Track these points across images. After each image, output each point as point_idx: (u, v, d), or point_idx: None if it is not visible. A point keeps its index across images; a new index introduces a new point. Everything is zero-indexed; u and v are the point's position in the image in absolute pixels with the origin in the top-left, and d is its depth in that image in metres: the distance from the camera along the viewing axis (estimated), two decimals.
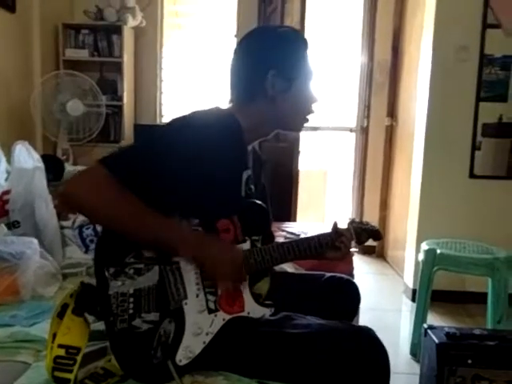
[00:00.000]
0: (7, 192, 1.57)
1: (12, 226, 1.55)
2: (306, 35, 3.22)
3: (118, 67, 3.46)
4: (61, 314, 0.91)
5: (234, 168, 1.04)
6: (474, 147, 2.58)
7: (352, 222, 1.17)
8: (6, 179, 1.66)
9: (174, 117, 1.00)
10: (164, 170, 0.92)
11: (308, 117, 1.11)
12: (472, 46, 2.52)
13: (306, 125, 1.14)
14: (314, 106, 1.11)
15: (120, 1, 3.36)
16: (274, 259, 1.03)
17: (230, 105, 1.09)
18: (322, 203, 4.31)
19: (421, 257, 2.01)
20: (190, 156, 0.93)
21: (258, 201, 1.08)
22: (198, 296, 0.95)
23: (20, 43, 3.00)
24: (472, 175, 2.59)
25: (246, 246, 1.02)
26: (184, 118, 0.99)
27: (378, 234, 1.19)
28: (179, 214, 0.96)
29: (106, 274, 0.91)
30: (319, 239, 1.09)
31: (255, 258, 1.00)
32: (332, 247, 1.11)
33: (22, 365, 0.99)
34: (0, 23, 2.77)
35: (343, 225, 1.16)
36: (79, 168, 2.45)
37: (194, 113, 1.01)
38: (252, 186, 1.08)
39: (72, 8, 3.59)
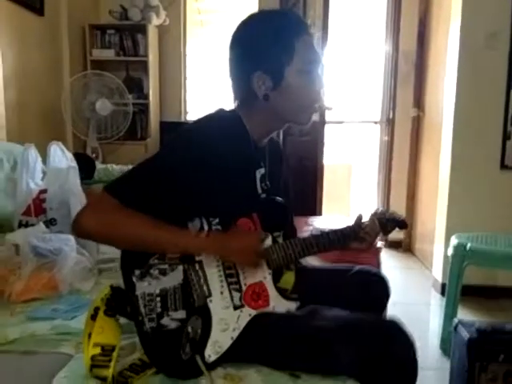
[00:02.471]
0: (44, 191, 1.64)
1: (49, 223, 1.62)
2: (329, 27, 3.15)
3: (143, 66, 3.52)
4: (93, 317, 0.96)
5: (246, 168, 1.04)
6: (506, 137, 2.51)
7: (376, 213, 1.16)
8: (42, 179, 1.72)
9: (181, 129, 1.00)
10: (176, 182, 0.93)
11: (316, 106, 1.04)
12: (502, 31, 2.45)
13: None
14: (320, 94, 1.03)
15: (144, 0, 3.41)
16: (297, 253, 1.03)
17: (235, 104, 1.07)
18: (347, 197, 4.29)
19: (450, 251, 1.98)
20: (200, 163, 0.94)
21: (276, 197, 1.08)
22: (222, 293, 0.97)
23: (49, 45, 3.09)
24: (503, 166, 2.53)
25: (268, 242, 1.02)
26: (188, 129, 1.00)
27: (403, 222, 1.16)
28: (199, 215, 0.98)
29: (133, 276, 0.95)
30: (342, 232, 1.08)
31: (277, 254, 1.01)
32: (356, 239, 1.10)
33: (64, 356, 1.03)
34: (30, 26, 2.86)
35: (367, 217, 1.15)
36: (109, 166, 2.52)
37: (198, 120, 1.01)
38: (268, 183, 1.08)
39: (97, 9, 3.67)
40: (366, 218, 1.14)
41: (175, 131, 1.00)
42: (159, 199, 0.94)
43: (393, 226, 1.16)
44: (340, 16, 3.49)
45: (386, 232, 1.17)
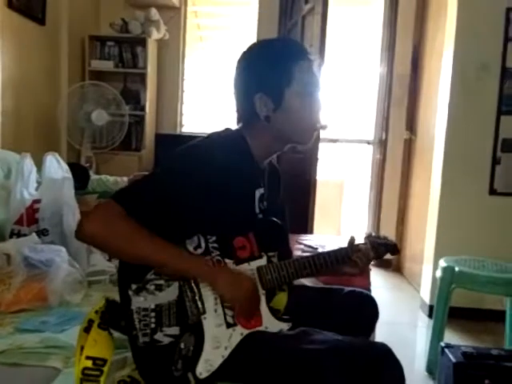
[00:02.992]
0: (38, 201, 1.65)
1: (41, 233, 1.61)
2: (326, 49, 3.21)
3: (141, 78, 3.56)
4: (87, 329, 0.96)
5: (246, 187, 1.06)
6: (495, 162, 2.57)
7: (369, 236, 1.17)
8: (37, 188, 1.73)
9: (186, 144, 1.02)
10: (178, 196, 0.95)
11: (316, 127, 1.08)
12: (493, 60, 2.52)
13: (324, 136, 1.12)
14: (319, 116, 1.08)
15: (145, 14, 3.47)
16: (291, 274, 1.04)
17: (239, 125, 1.11)
18: (338, 213, 4.32)
19: (438, 273, 2.01)
20: (203, 180, 0.96)
21: (272, 218, 1.10)
22: (216, 311, 0.98)
23: (49, 54, 3.12)
24: (492, 191, 2.58)
25: (263, 262, 1.04)
26: (194, 143, 1.02)
27: (395, 248, 1.19)
28: (197, 232, 1.00)
29: (129, 290, 0.96)
30: (335, 254, 1.10)
31: (271, 274, 1.03)
32: (349, 262, 1.11)
33: (52, 370, 1.03)
34: (31, 35, 2.89)
35: (360, 239, 1.16)
36: (103, 177, 2.52)
37: (204, 137, 1.04)
38: (265, 203, 1.10)
39: (98, 20, 3.71)
40: (358, 241, 1.16)
41: (176, 144, 1.02)
42: (163, 212, 0.96)
43: (385, 250, 1.18)
44: (337, 39, 3.57)
45: (378, 256, 1.18)
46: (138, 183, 1.00)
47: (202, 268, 0.97)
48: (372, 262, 1.22)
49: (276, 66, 1.03)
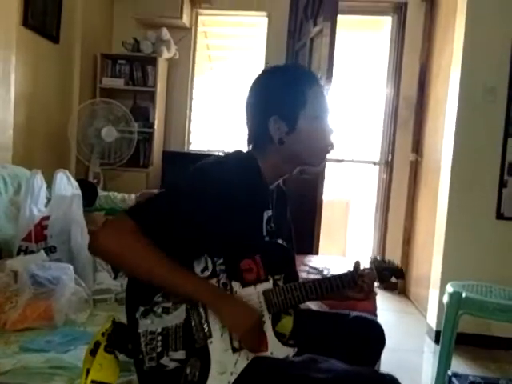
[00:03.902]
0: (47, 218, 1.66)
1: (49, 250, 1.62)
2: (334, 70, 3.25)
3: (150, 96, 3.61)
4: (93, 352, 0.96)
5: (255, 209, 1.07)
6: (502, 185, 2.56)
7: (374, 260, 1.18)
8: (46, 205, 1.74)
9: (198, 163, 1.04)
10: (189, 215, 0.96)
11: (328, 149, 1.11)
12: (500, 83, 2.53)
13: (330, 157, 1.14)
14: (331, 138, 1.11)
15: (156, 34, 3.54)
16: (296, 298, 1.04)
17: (250, 147, 1.13)
18: (343, 234, 4.30)
19: (445, 299, 1.98)
20: (213, 200, 0.97)
21: (279, 240, 1.11)
22: (222, 335, 0.97)
23: (61, 72, 3.18)
24: (499, 215, 2.56)
25: (269, 285, 1.04)
26: (206, 164, 1.04)
27: (400, 272, 1.19)
28: (204, 254, 1.00)
29: (136, 312, 0.96)
30: (341, 279, 1.10)
31: (277, 298, 1.02)
32: (354, 287, 1.12)
33: None
34: (44, 53, 2.95)
35: (365, 263, 1.17)
36: (111, 194, 2.54)
37: (215, 158, 1.06)
38: (273, 225, 1.11)
39: (110, 39, 3.79)
40: (363, 265, 1.16)
41: (183, 161, 1.03)
42: (173, 230, 0.96)
43: (390, 275, 1.18)
44: (344, 60, 3.62)
45: (384, 281, 1.19)
46: (152, 200, 1.00)
47: (208, 296, 0.97)
48: (377, 287, 1.22)
49: (290, 90, 1.07)
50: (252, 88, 1.12)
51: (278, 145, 1.07)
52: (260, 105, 1.09)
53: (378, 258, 1.22)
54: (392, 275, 1.19)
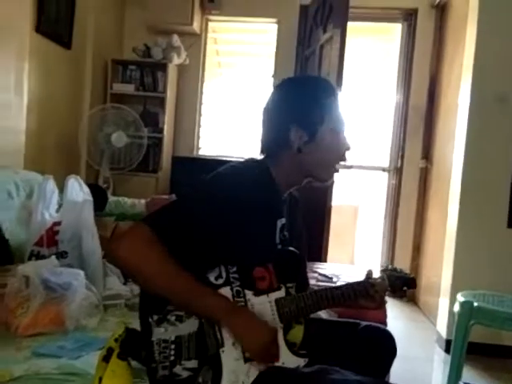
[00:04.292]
0: (58, 223, 1.67)
1: (60, 256, 1.63)
2: (343, 77, 3.25)
3: (160, 101, 3.63)
4: (106, 358, 0.95)
5: (269, 217, 1.07)
6: None
7: (385, 269, 1.17)
8: (57, 210, 1.76)
9: (213, 172, 1.04)
10: (205, 224, 0.97)
11: (338, 164, 1.12)
12: (511, 94, 2.52)
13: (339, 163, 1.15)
14: (345, 154, 1.13)
15: (167, 40, 3.57)
16: (308, 307, 1.04)
17: (263, 155, 1.13)
18: (351, 241, 4.28)
19: (456, 308, 1.97)
20: (227, 209, 0.98)
21: (292, 248, 1.10)
22: (234, 344, 0.96)
23: (73, 77, 3.21)
24: (510, 224, 2.54)
25: (281, 293, 1.04)
26: (220, 172, 1.05)
27: (413, 282, 1.18)
28: (219, 263, 1.00)
29: (150, 320, 0.96)
30: (354, 288, 1.10)
31: (289, 306, 1.02)
32: (366, 296, 1.11)
33: None
34: (57, 59, 2.99)
35: (376, 271, 1.17)
36: (121, 199, 2.55)
37: (229, 166, 1.06)
38: (286, 233, 1.11)
39: (121, 45, 3.83)
40: (374, 272, 1.16)
41: (192, 166, 1.03)
42: (190, 239, 0.96)
43: (402, 284, 1.17)
44: (354, 67, 3.62)
45: (395, 290, 1.18)
46: (168, 209, 1.01)
47: (222, 314, 0.95)
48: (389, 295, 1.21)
49: (313, 100, 1.09)
50: (274, 95, 1.13)
51: (296, 153, 1.08)
52: (282, 112, 1.10)
53: (390, 267, 1.21)
54: (404, 284, 1.17)
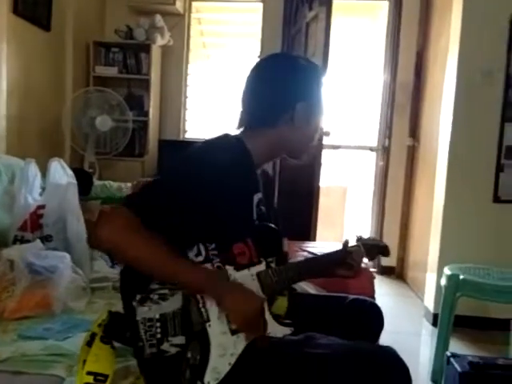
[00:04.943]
0: (42, 207, 1.64)
1: (45, 239, 1.61)
2: (330, 55, 3.22)
3: (145, 84, 3.57)
4: (89, 343, 0.95)
5: (246, 192, 1.07)
6: (499, 169, 2.56)
7: (360, 238, 1.23)
8: (41, 194, 1.73)
9: (188, 150, 1.05)
10: (183, 204, 0.96)
11: (311, 147, 1.16)
12: (497, 67, 2.51)
13: (326, 143, 1.20)
14: (319, 136, 1.17)
15: (149, 21, 3.49)
16: (290, 278, 1.07)
17: (240, 129, 1.13)
18: (341, 220, 4.31)
19: (443, 282, 1.99)
20: (205, 186, 0.97)
21: (269, 223, 1.11)
22: (219, 318, 0.97)
23: (54, 60, 3.13)
24: (496, 198, 2.57)
25: (262, 267, 1.04)
26: (196, 149, 1.04)
27: (386, 249, 1.25)
28: (197, 240, 1.00)
29: (133, 301, 0.95)
30: (331, 256, 1.15)
31: (271, 279, 1.03)
32: (344, 264, 1.16)
33: (56, 378, 1.02)
34: (35, 41, 2.90)
35: (352, 242, 1.22)
36: (107, 182, 2.52)
37: (204, 143, 1.07)
38: (263, 208, 1.12)
39: (103, 27, 3.73)
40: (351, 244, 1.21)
41: (179, 150, 1.03)
42: (169, 217, 0.96)
43: (377, 252, 1.24)
44: (340, 46, 3.58)
45: (371, 258, 1.25)
46: (146, 189, 1.01)
47: (208, 285, 0.96)
48: (375, 269, 1.25)
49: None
50: (272, 69, 1.12)
51: (275, 129, 1.08)
52: (287, 88, 1.09)
53: (364, 237, 1.26)
54: (378, 252, 1.24)
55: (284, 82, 1.10)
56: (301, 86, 1.10)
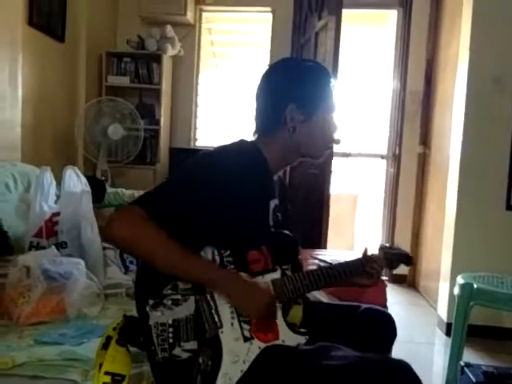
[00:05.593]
0: (57, 214, 1.67)
1: (60, 246, 1.63)
2: (339, 63, 3.23)
3: (156, 93, 3.62)
4: (105, 346, 0.96)
5: (262, 198, 1.08)
6: (511, 177, 2.54)
7: (382, 247, 1.19)
8: (56, 202, 1.75)
9: (202, 151, 1.06)
10: (195, 205, 0.97)
11: (330, 145, 1.15)
12: (508, 74, 2.50)
13: (337, 151, 1.18)
14: (335, 135, 1.15)
15: (160, 31, 3.54)
16: (306, 286, 1.05)
17: (255, 136, 1.14)
18: (351, 228, 4.29)
19: (456, 291, 1.97)
20: (219, 189, 0.98)
21: (285, 231, 1.11)
22: (232, 325, 0.97)
23: (67, 70, 3.19)
24: (509, 207, 2.54)
25: (277, 275, 1.04)
26: (211, 153, 1.05)
27: (409, 258, 1.20)
28: (211, 245, 1.00)
29: (146, 305, 0.96)
30: (349, 265, 1.11)
31: (287, 287, 1.03)
32: (363, 273, 1.12)
33: (71, 383, 1.03)
34: (50, 52, 2.97)
35: (373, 250, 1.18)
36: (119, 190, 2.55)
37: (220, 147, 1.07)
38: (279, 214, 1.11)
39: (115, 37, 3.80)
40: (371, 251, 1.17)
41: (190, 157, 1.04)
42: (181, 218, 0.97)
43: (399, 261, 1.19)
44: (350, 55, 3.60)
45: (392, 267, 1.20)
46: (159, 188, 1.01)
47: (220, 278, 0.97)
48: (385, 276, 1.23)
49: (312, 82, 1.10)
50: (269, 77, 1.13)
51: (290, 132, 1.08)
52: (279, 92, 1.10)
53: (387, 245, 1.23)
54: (400, 261, 1.20)
55: (275, 86, 1.11)
56: (291, 87, 1.09)
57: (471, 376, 1.50)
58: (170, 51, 3.58)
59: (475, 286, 1.88)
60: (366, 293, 1.57)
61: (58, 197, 1.79)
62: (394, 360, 1.02)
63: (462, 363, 1.57)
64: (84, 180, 1.83)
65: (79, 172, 1.83)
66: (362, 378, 0.92)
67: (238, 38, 4.01)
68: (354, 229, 4.27)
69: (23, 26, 2.62)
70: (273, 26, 3.71)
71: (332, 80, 1.13)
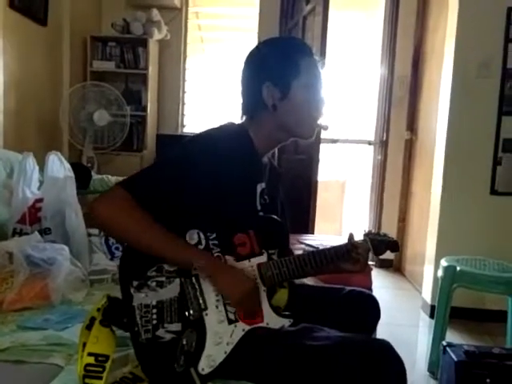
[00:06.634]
0: (40, 200, 1.65)
1: (43, 232, 1.62)
2: (327, 49, 3.21)
3: (142, 78, 3.56)
4: (89, 327, 0.96)
5: (249, 181, 1.07)
6: (496, 162, 2.57)
7: (368, 233, 1.18)
8: (39, 188, 1.73)
9: (189, 135, 1.05)
10: (181, 188, 0.97)
11: (319, 121, 1.11)
12: (494, 60, 2.52)
13: (324, 137, 1.14)
14: (322, 109, 1.11)
15: (146, 15, 3.47)
16: (291, 271, 1.04)
17: (243, 119, 1.13)
18: (339, 214, 4.32)
19: (440, 273, 2.01)
20: (205, 172, 0.98)
21: (274, 216, 1.11)
22: (217, 307, 0.98)
23: (50, 55, 3.12)
24: (493, 191, 2.58)
25: (263, 259, 1.04)
26: (197, 136, 1.04)
27: (395, 245, 1.19)
28: (197, 228, 1.00)
29: (131, 287, 0.97)
30: (335, 250, 1.11)
31: (272, 271, 1.03)
32: (349, 259, 1.12)
33: (55, 367, 1.03)
34: (32, 36, 2.89)
35: (360, 236, 1.17)
36: (105, 176, 2.53)
37: (207, 130, 1.06)
38: (266, 197, 1.11)
39: (100, 21, 3.72)
40: (357, 238, 1.16)
41: (177, 141, 1.03)
42: (166, 200, 0.97)
43: (385, 247, 1.18)
44: (337, 40, 3.57)
45: (378, 253, 1.19)
46: (144, 171, 1.01)
47: (204, 262, 0.97)
48: (372, 261, 1.22)
49: (285, 57, 1.07)
50: (247, 59, 1.12)
51: (272, 111, 1.07)
52: (254, 73, 1.09)
53: (373, 231, 1.22)
54: (387, 248, 1.18)
55: (253, 65, 1.10)
56: (265, 65, 1.08)
57: (453, 355, 1.53)
58: (157, 35, 3.52)
59: (458, 268, 1.92)
60: (351, 277, 1.58)
61: (41, 183, 1.77)
62: (376, 340, 1.04)
63: (444, 343, 1.60)
64: (67, 166, 1.81)
65: (62, 157, 1.81)
66: (344, 358, 0.93)
67: (225, 22, 3.95)
68: (342, 214, 4.30)
69: (4, 8, 2.55)
70: (260, 9, 3.66)
71: (309, 54, 1.10)
